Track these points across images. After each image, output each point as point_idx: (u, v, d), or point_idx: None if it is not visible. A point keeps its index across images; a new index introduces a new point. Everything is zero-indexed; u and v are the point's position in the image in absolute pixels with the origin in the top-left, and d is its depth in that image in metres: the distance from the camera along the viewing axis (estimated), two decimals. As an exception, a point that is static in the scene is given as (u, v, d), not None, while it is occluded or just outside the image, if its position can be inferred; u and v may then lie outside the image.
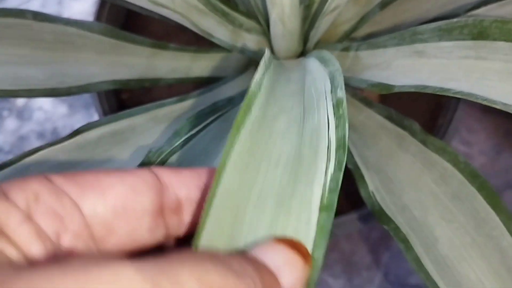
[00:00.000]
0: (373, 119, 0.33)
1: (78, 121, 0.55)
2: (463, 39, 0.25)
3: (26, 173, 0.32)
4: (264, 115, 0.24)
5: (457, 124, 0.39)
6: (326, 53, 0.29)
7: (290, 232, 0.20)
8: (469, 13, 0.30)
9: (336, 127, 0.22)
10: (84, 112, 0.55)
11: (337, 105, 0.23)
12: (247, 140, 0.22)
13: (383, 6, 0.34)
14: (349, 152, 0.31)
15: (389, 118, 0.32)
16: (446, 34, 0.26)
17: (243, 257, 0.17)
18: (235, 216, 0.20)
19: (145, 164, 0.28)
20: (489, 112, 0.52)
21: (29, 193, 0.17)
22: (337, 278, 0.48)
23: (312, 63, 0.30)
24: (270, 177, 0.22)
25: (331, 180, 0.20)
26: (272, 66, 0.27)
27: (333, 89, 0.24)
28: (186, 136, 0.30)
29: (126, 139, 0.34)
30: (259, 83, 0.24)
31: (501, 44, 0.24)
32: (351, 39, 0.36)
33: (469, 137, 0.52)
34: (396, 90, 0.27)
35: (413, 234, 0.26)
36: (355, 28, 0.35)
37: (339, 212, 0.36)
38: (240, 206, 0.20)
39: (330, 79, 0.26)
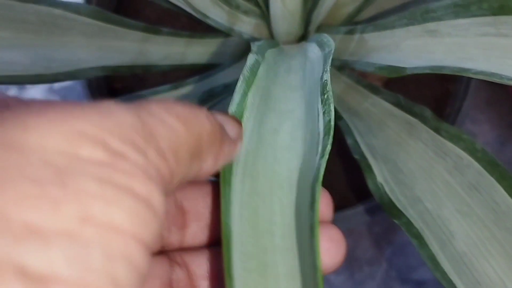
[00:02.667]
0: (380, 106, 0.31)
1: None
2: (482, 15, 0.23)
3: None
4: (260, 135, 0.22)
5: (464, 114, 0.37)
6: (325, 36, 0.27)
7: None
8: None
9: (324, 113, 0.21)
10: (75, 104, 0.53)
11: (322, 90, 0.22)
12: (247, 181, 0.21)
13: (390, -14, 0.33)
14: (355, 141, 0.29)
15: (397, 104, 0.30)
16: (462, 11, 0.24)
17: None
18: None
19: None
20: (493, 103, 0.51)
21: None
22: (339, 274, 0.47)
23: (312, 49, 0.28)
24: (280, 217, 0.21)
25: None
26: (261, 69, 0.25)
27: (322, 75, 0.23)
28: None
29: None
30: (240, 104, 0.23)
31: (525, 19, 0.22)
32: (355, 22, 0.34)
33: (473, 128, 0.51)
34: (408, 72, 0.25)
35: (427, 229, 0.24)
36: (360, 9, 0.33)
37: (344, 206, 0.35)
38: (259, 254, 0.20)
39: (323, 65, 0.24)
